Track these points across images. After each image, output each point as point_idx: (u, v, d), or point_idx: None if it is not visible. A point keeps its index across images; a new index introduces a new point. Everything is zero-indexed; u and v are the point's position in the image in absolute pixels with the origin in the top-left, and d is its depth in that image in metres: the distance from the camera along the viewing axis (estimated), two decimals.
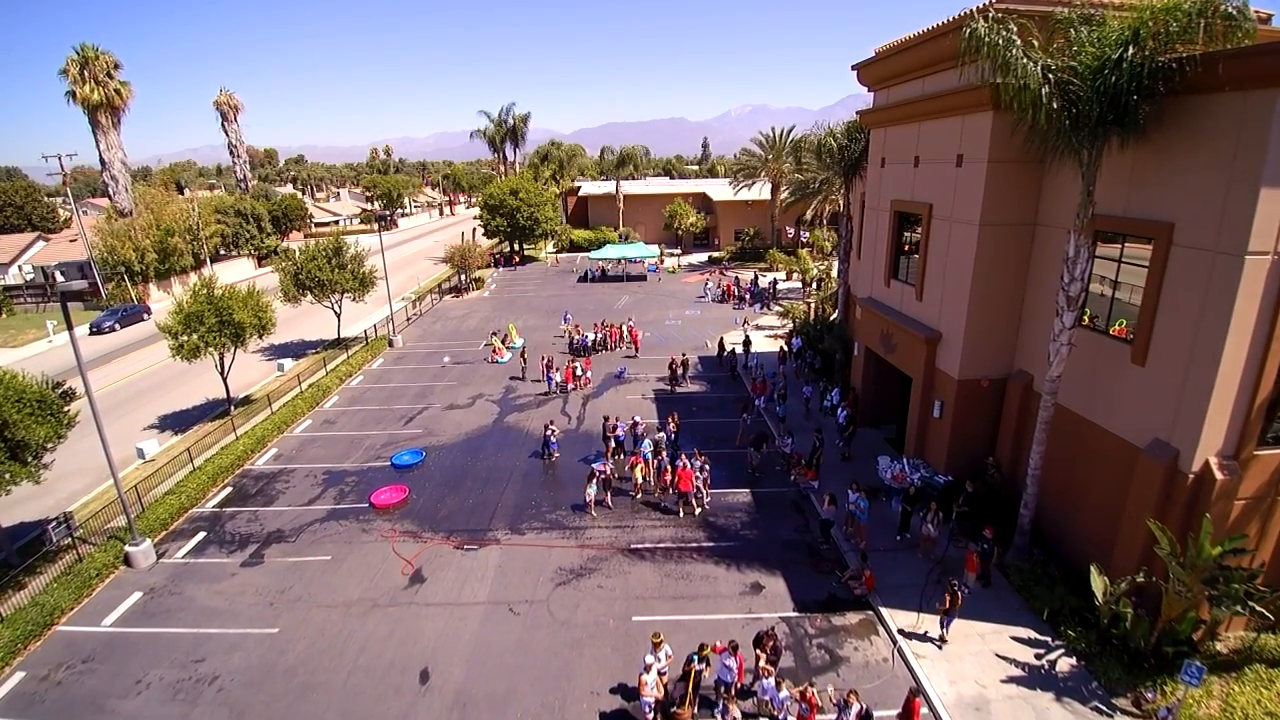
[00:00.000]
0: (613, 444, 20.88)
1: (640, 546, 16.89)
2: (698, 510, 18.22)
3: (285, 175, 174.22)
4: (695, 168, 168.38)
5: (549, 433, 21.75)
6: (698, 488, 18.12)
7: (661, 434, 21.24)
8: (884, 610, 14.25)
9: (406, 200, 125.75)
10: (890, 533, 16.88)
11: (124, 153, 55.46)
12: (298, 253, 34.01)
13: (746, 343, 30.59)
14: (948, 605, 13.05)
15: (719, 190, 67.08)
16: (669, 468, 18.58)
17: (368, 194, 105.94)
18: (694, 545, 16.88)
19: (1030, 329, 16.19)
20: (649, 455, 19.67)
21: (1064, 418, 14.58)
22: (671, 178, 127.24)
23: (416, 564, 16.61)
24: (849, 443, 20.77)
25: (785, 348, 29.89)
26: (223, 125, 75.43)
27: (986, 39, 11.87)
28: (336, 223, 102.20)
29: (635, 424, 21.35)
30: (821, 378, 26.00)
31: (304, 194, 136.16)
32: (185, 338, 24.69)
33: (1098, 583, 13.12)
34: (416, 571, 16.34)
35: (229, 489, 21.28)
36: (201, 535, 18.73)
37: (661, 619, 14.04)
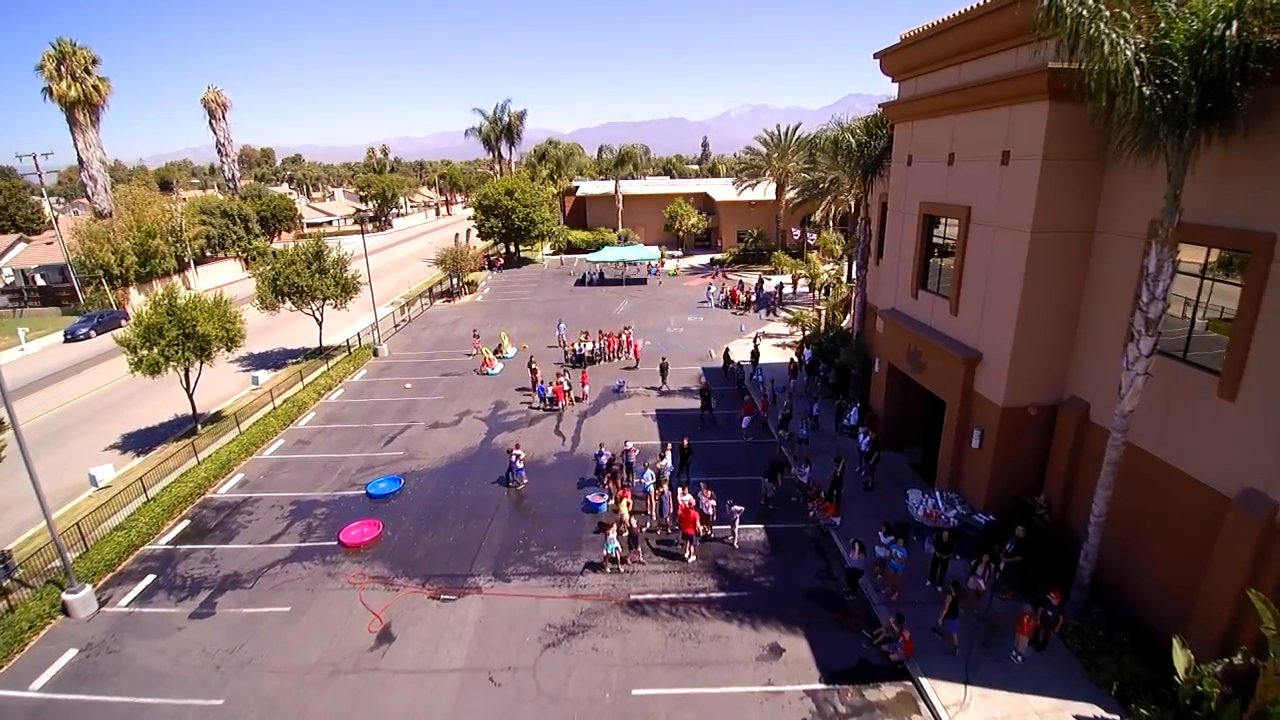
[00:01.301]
0: (608, 472, 18.96)
1: (641, 597, 14.85)
2: (729, 539, 16.46)
3: (282, 175, 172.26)
4: (695, 167, 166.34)
5: (514, 457, 19.70)
6: (703, 529, 16.11)
7: (665, 460, 19.19)
8: (924, 682, 12.23)
9: (403, 200, 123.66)
10: (920, 578, 14.87)
11: (103, 151, 53.37)
12: (275, 256, 31.92)
13: (755, 355, 28.52)
14: (946, 610, 12.71)
15: (721, 190, 65.06)
16: (673, 501, 16.59)
17: (361, 194, 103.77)
18: (702, 596, 14.84)
19: (1086, 350, 14.17)
20: (650, 487, 17.65)
21: (1134, 458, 12.55)
22: (671, 177, 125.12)
23: (386, 618, 14.57)
24: (872, 471, 18.75)
25: (795, 359, 27.85)
26: (210, 123, 73.25)
27: (1068, 9, 9.81)
28: (330, 223, 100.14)
29: (627, 450, 19.30)
30: (838, 394, 23.96)
31: (300, 194, 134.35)
32: (145, 352, 22.73)
33: (1180, 658, 11.07)
34: (385, 628, 14.30)
35: (186, 522, 19.27)
36: (150, 578, 16.73)
37: (666, 693, 12.05)
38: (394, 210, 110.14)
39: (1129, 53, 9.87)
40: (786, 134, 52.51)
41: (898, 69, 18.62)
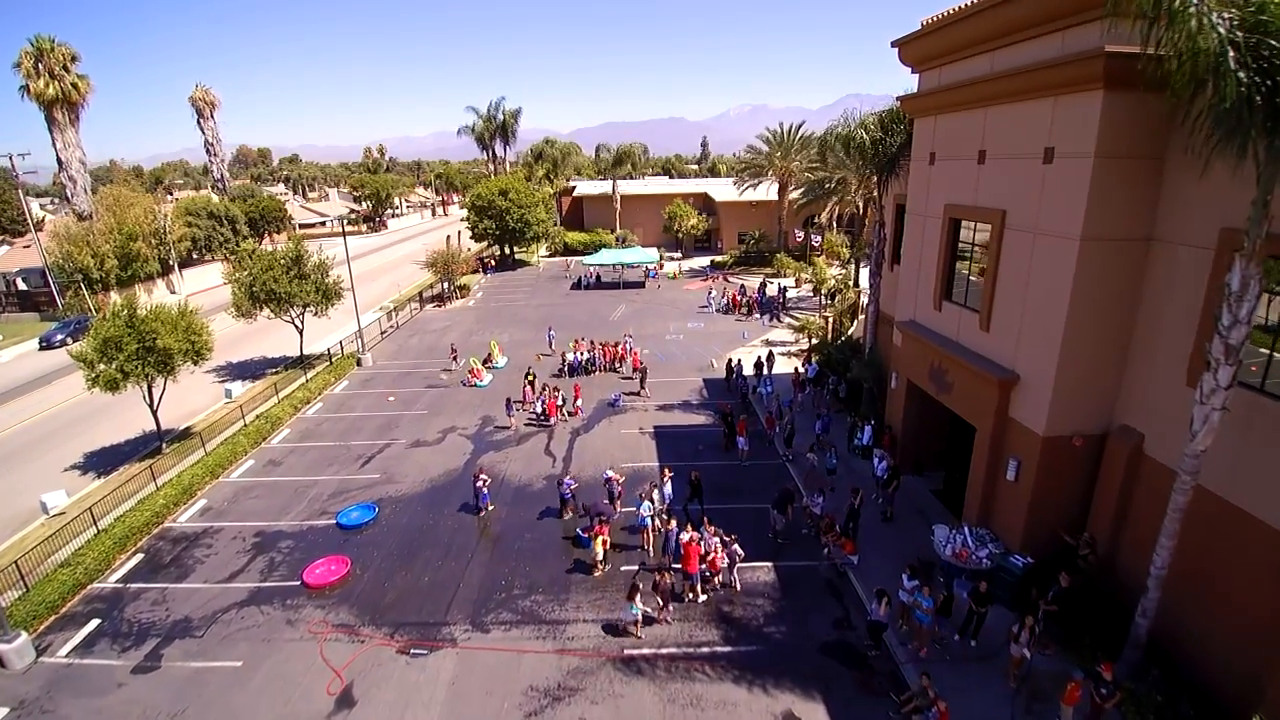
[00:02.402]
0: (570, 505, 17.79)
1: (636, 652, 13.14)
2: (731, 584, 14.67)
3: (278, 174, 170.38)
4: (695, 167, 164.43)
5: (479, 484, 18.07)
6: (707, 572, 14.41)
7: (666, 486, 17.49)
8: None
9: (399, 201, 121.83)
10: (952, 629, 13.17)
11: (82, 152, 51.74)
12: (252, 260, 30.19)
13: (758, 365, 26.80)
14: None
15: (721, 190, 63.33)
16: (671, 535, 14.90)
17: (355, 194, 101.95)
18: (705, 651, 13.13)
19: (1140, 375, 12.49)
20: (648, 520, 15.96)
21: (1205, 504, 10.87)
22: (671, 177, 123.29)
23: (348, 676, 12.86)
24: (891, 500, 17.06)
25: (800, 370, 26.17)
26: (199, 122, 71.63)
27: None
28: (323, 224, 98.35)
29: (609, 480, 17.60)
30: (850, 411, 22.25)
31: (295, 194, 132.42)
32: (103, 367, 21.04)
33: None
34: (347, 688, 12.59)
35: (140, 556, 17.60)
36: (95, 623, 15.04)
37: None
38: (389, 211, 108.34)
39: (1221, 30, 8.18)
40: (789, 132, 50.79)
41: (918, 58, 16.92)
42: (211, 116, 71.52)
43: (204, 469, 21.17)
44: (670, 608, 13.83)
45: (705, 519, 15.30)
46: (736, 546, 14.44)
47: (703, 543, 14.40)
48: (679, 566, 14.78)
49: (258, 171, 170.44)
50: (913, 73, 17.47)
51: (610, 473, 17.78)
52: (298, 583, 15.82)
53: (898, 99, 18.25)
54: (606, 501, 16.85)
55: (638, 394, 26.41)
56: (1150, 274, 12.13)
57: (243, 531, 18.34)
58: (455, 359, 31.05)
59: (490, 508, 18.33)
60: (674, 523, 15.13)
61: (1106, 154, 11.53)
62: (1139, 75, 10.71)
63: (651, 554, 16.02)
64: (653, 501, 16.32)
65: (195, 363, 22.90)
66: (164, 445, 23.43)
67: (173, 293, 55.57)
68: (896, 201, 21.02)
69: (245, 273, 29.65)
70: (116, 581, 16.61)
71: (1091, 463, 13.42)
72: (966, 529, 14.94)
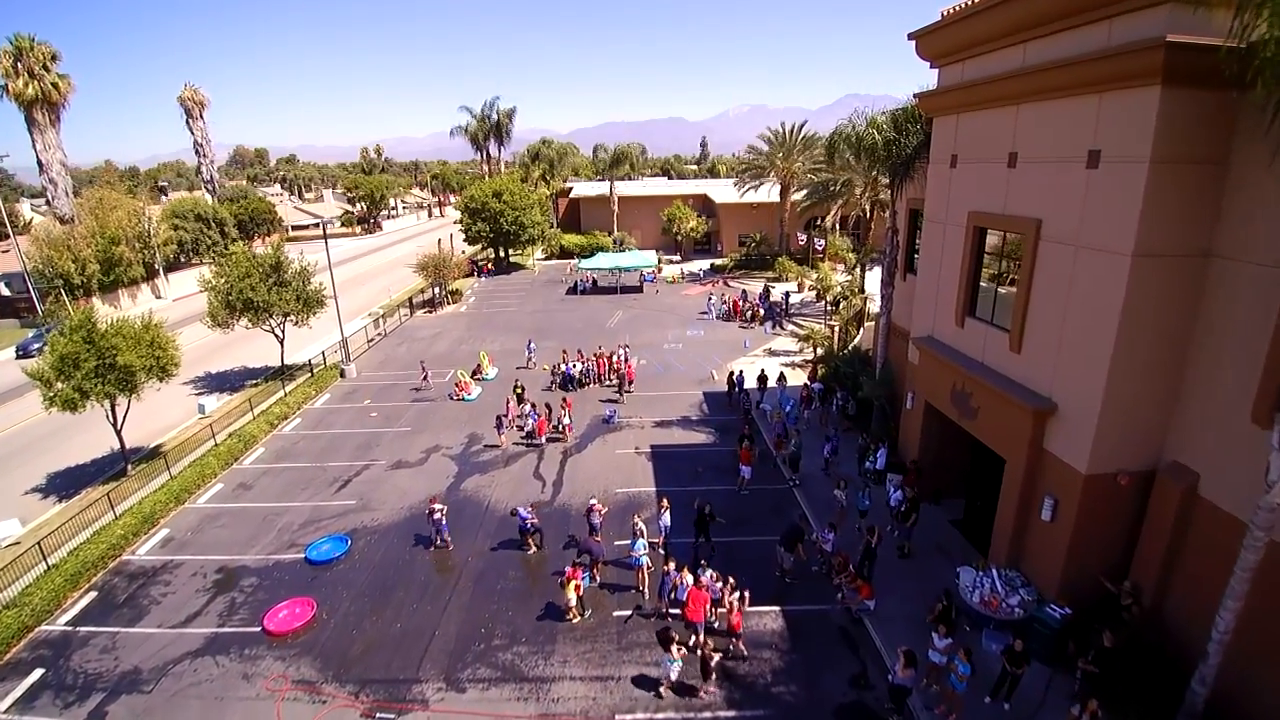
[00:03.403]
0: (528, 536, 16.46)
1: (630, 718, 11.70)
2: (733, 640, 12.98)
3: (275, 175, 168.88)
4: (694, 168, 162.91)
5: (435, 513, 16.61)
6: (711, 621, 12.98)
7: (664, 517, 16.08)
8: None
9: (395, 202, 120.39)
10: (981, 689, 11.73)
11: (63, 153, 50.24)
12: (231, 266, 28.72)
13: (762, 378, 25.35)
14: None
15: (721, 191, 61.87)
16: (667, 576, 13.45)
17: (349, 195, 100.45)
18: (707, 716, 11.69)
19: (1196, 406, 11.07)
20: (643, 560, 14.51)
21: (1274, 560, 9.45)
22: (670, 178, 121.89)
23: None
24: (909, 534, 15.62)
25: (808, 386, 24.74)
26: (188, 123, 70.03)
27: None
28: (316, 225, 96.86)
29: (591, 510, 16.17)
30: (861, 431, 20.79)
31: (292, 195, 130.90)
32: (60, 385, 19.64)
33: None
34: None
35: (94, 594, 16.19)
36: (39, 674, 13.65)
37: None
38: (384, 212, 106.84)
39: None
40: (791, 132, 49.32)
41: (938, 52, 15.49)
42: (201, 116, 69.94)
43: (168, 495, 19.72)
44: (714, 680, 12.06)
45: (704, 561, 13.83)
46: (736, 598, 12.95)
47: (709, 589, 12.97)
48: (676, 612, 13.36)
49: (254, 172, 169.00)
50: (931, 67, 16.04)
51: (594, 502, 16.35)
52: (258, 629, 14.38)
53: (914, 96, 16.82)
54: (595, 538, 15.40)
55: (617, 400, 25.89)
56: (1209, 293, 10.71)
57: (204, 566, 16.90)
58: (425, 378, 28.93)
59: (448, 541, 16.86)
60: (672, 564, 13.64)
61: (1163, 159, 10.11)
62: (1204, 69, 9.34)
63: (647, 596, 14.57)
64: (643, 537, 14.83)
65: (161, 379, 21.49)
66: (129, 466, 21.99)
67: (158, 297, 54.17)
68: (910, 206, 19.60)
69: (222, 279, 28.20)
70: (66, 624, 15.20)
71: (1137, 503, 12.01)
72: (995, 572, 13.51)
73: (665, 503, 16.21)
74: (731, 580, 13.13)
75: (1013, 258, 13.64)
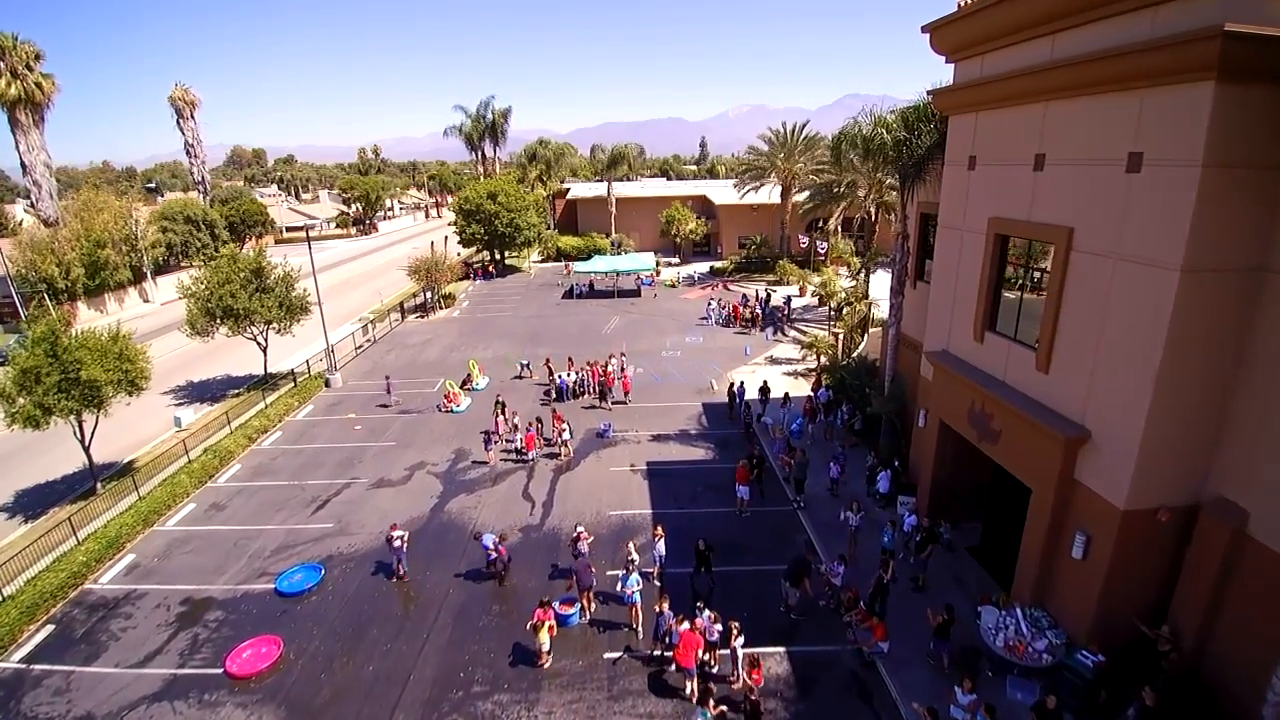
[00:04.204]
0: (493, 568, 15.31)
1: None
2: (731, 679, 11.96)
3: (272, 175, 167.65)
4: (694, 168, 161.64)
5: (395, 540, 15.48)
6: (709, 665, 11.85)
7: (658, 546, 14.96)
8: None
9: (392, 203, 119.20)
10: None
11: (48, 155, 49.17)
12: (211, 272, 27.62)
13: (765, 390, 24.21)
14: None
15: (721, 193, 60.73)
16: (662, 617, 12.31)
17: (344, 196, 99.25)
18: None
19: (1246, 436, 9.97)
20: (637, 596, 13.39)
21: None
22: (669, 179, 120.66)
23: None
24: (925, 565, 14.50)
25: (812, 396, 23.65)
26: (178, 123, 68.84)
27: None
28: (311, 226, 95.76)
29: (578, 538, 15.06)
30: (870, 448, 19.68)
31: (289, 195, 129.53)
32: (23, 401, 18.54)
33: None
34: None
35: (51, 627, 15.11)
36: None
37: None
38: (380, 213, 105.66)
39: None
40: (793, 133, 48.19)
41: (955, 45, 14.36)
42: (192, 117, 68.73)
43: (135, 517, 18.62)
44: None
45: (701, 602, 12.70)
46: (739, 644, 11.83)
47: (706, 631, 11.85)
48: (670, 655, 12.25)
49: (252, 173, 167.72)
50: (947, 62, 14.90)
51: (580, 530, 15.22)
52: (220, 670, 13.26)
53: (928, 92, 15.69)
54: (589, 567, 14.29)
55: (600, 407, 25.45)
56: (1263, 312, 9.60)
57: (169, 598, 15.78)
58: (389, 390, 27.24)
59: (405, 571, 15.77)
60: (667, 603, 12.50)
61: (1217, 163, 9.00)
62: (1265, 62, 8.27)
63: (640, 635, 13.44)
64: (637, 570, 13.71)
65: (130, 393, 20.38)
66: (99, 485, 20.86)
67: (146, 301, 53.04)
68: (922, 210, 18.49)
69: (202, 285, 27.09)
70: (19, 661, 14.14)
71: (1177, 540, 10.90)
72: (1019, 611, 12.39)
73: (660, 530, 15.06)
74: (735, 625, 12.00)
75: (1039, 268, 12.53)
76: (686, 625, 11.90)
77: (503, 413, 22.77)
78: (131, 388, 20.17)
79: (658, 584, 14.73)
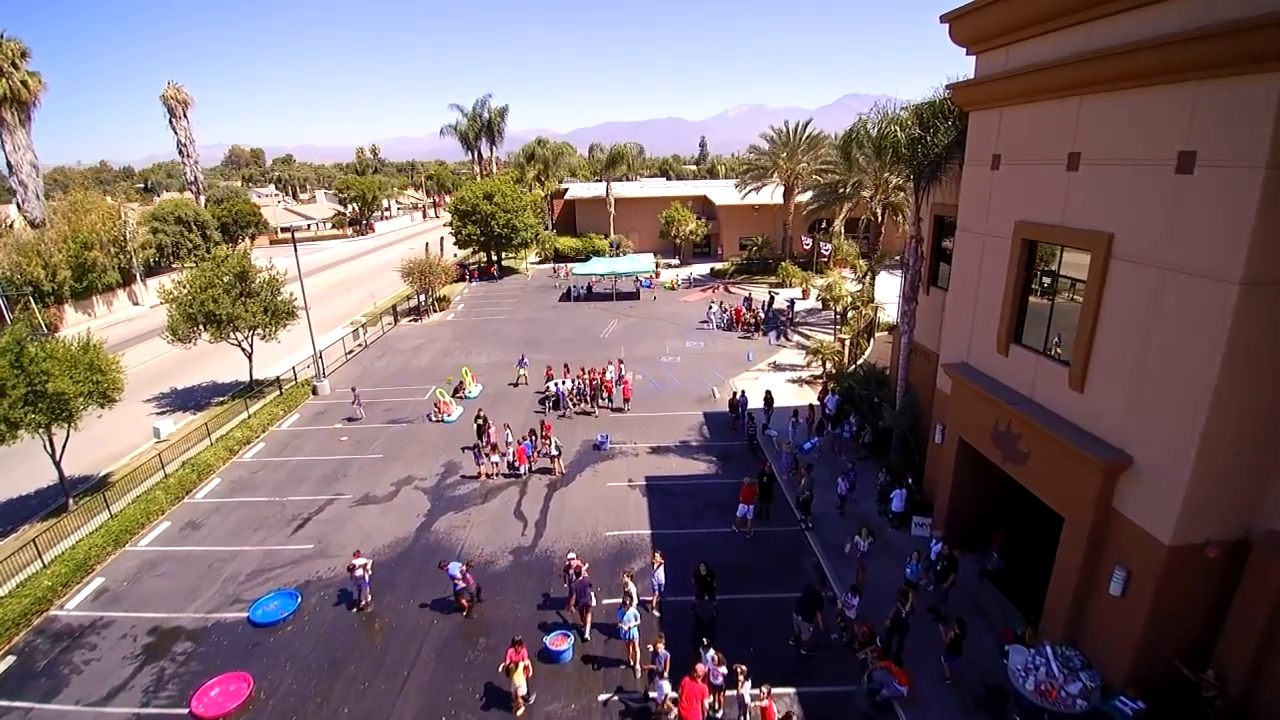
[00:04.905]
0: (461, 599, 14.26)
1: None
2: None
3: (270, 175, 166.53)
4: (693, 168, 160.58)
5: (357, 570, 14.41)
6: (715, 714, 10.85)
7: (657, 574, 13.96)
8: None
9: (389, 203, 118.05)
10: None
11: (34, 155, 48.23)
12: (193, 276, 26.61)
13: (769, 399, 23.21)
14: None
15: (721, 193, 59.67)
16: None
17: (340, 196, 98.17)
18: None
19: None
20: (634, 632, 12.40)
21: None
22: (668, 179, 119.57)
23: None
24: (946, 596, 13.50)
25: (819, 403, 22.67)
26: (170, 122, 67.81)
27: None
28: (307, 227, 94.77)
29: (568, 565, 14.03)
30: (881, 464, 18.69)
31: (286, 195, 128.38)
32: None
33: None
34: None
35: (11, 658, 14.13)
36: None
37: None
38: (377, 213, 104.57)
39: None
40: (795, 131, 47.14)
41: (977, 35, 13.37)
42: (184, 116, 67.64)
43: (106, 537, 17.62)
44: None
45: (705, 641, 11.68)
46: (748, 690, 10.83)
47: (710, 675, 10.86)
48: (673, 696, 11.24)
49: (250, 172, 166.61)
50: (968, 54, 13.91)
51: (572, 557, 14.21)
52: (185, 710, 12.27)
53: (946, 87, 14.70)
54: (585, 584, 13.33)
55: (590, 413, 24.74)
56: None
57: (136, 626, 14.78)
58: (356, 402, 25.40)
59: (369, 602, 14.73)
60: (662, 643, 11.44)
61: None
62: None
63: (638, 674, 12.44)
64: (634, 603, 12.71)
65: (102, 405, 19.39)
66: (71, 501, 19.86)
67: (136, 304, 52.01)
68: (935, 212, 17.50)
69: (184, 290, 26.08)
70: None
71: (1224, 577, 9.92)
72: (1049, 650, 11.40)
73: (659, 557, 14.07)
74: (742, 669, 11.00)
75: (1073, 277, 11.53)
76: (672, 688, 10.84)
77: (480, 432, 21.33)
78: (103, 400, 19.16)
79: (656, 614, 13.77)
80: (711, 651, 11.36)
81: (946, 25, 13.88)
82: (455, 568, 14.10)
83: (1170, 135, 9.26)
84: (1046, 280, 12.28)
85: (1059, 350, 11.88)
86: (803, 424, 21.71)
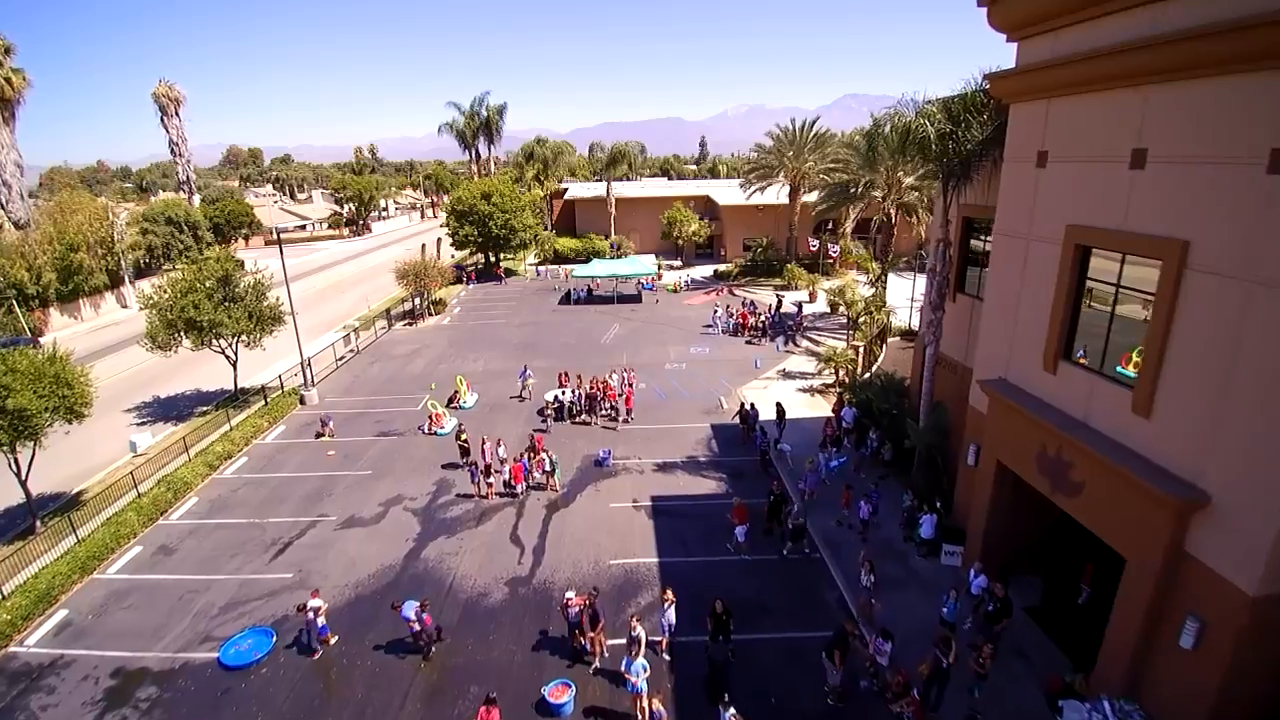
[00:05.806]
0: (421, 638, 12.96)
1: None
2: None
3: (268, 175, 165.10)
4: (694, 168, 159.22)
5: (310, 612, 13.07)
6: None
7: (668, 613, 12.70)
8: None
9: (386, 203, 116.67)
10: None
11: (18, 154, 46.92)
12: (174, 280, 25.37)
13: (780, 411, 21.94)
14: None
15: (724, 193, 58.40)
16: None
17: (337, 196, 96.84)
18: None
19: None
20: (643, 685, 11.14)
21: None
22: (669, 179, 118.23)
23: None
24: (996, 640, 12.18)
25: (833, 417, 21.43)
26: (162, 121, 66.57)
27: None
28: (303, 227, 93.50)
29: (566, 604, 12.83)
30: (905, 484, 17.44)
31: (285, 195, 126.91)
32: None
33: None
34: None
35: None
36: None
37: None
38: (374, 213, 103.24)
39: None
40: (802, 130, 45.85)
41: (1021, 20, 12.12)
42: (176, 114, 66.46)
43: (72, 564, 16.39)
44: None
45: (726, 698, 10.42)
46: None
47: None
48: None
49: (247, 172, 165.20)
50: (1008, 40, 12.66)
51: (570, 595, 12.95)
52: None
53: (984, 77, 13.42)
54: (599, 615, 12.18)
55: (589, 423, 23.75)
56: None
57: (99, 667, 13.55)
58: (327, 424, 23.78)
59: (332, 640, 13.49)
60: (659, 699, 10.15)
61: None
62: None
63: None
64: (641, 652, 11.46)
65: (70, 421, 18.15)
66: (39, 522, 18.60)
67: (123, 306, 50.68)
68: (964, 214, 16.26)
69: (164, 294, 24.83)
70: None
71: None
72: (1107, 706, 10.16)
73: (670, 595, 12.80)
74: None
75: (1137, 290, 10.27)
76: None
77: (464, 453, 20.15)
78: (70, 415, 17.92)
79: (666, 658, 12.53)
80: (731, 711, 10.10)
81: (984, 9, 12.62)
82: (409, 609, 12.76)
83: (1260, 130, 8.03)
84: (1105, 290, 11.03)
85: (1128, 367, 10.62)
86: (832, 450, 19.78)
